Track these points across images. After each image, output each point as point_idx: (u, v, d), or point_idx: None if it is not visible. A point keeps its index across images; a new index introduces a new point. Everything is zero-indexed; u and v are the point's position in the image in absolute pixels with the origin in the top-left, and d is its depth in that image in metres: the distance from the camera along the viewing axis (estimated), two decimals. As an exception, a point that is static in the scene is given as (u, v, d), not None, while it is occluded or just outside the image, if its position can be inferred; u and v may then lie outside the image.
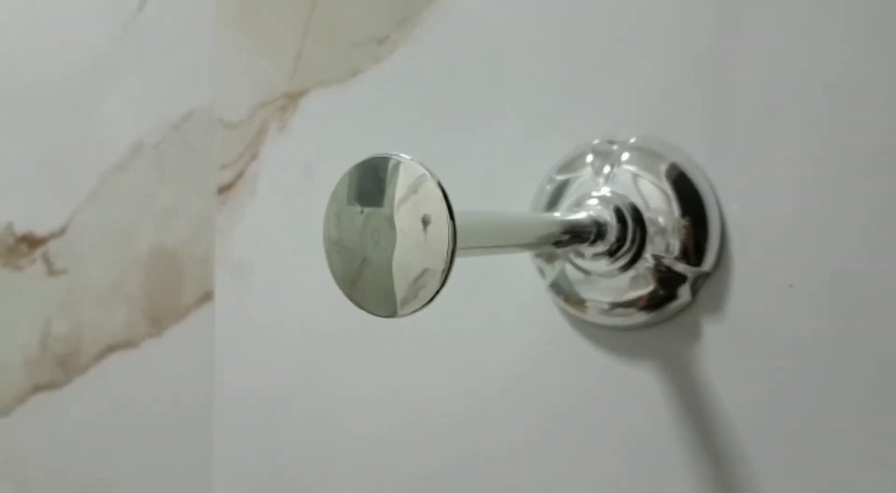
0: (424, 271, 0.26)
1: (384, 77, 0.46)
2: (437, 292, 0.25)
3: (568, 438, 0.37)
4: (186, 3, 0.56)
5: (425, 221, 0.25)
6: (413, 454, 0.44)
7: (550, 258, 0.36)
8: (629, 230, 0.33)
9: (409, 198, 0.26)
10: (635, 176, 0.34)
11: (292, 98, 0.50)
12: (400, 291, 0.26)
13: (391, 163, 0.26)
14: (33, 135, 0.65)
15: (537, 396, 0.38)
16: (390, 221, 0.26)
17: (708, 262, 0.33)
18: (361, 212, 0.27)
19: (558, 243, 0.33)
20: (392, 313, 0.27)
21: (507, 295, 0.39)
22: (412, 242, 0.26)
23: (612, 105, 0.37)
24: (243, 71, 0.52)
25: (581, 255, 0.34)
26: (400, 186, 0.26)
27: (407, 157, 0.26)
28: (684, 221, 0.33)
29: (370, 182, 0.27)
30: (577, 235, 0.32)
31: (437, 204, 0.25)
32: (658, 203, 0.33)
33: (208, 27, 0.54)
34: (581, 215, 0.33)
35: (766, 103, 0.32)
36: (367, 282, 0.28)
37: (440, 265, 0.25)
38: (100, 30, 0.61)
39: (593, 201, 0.34)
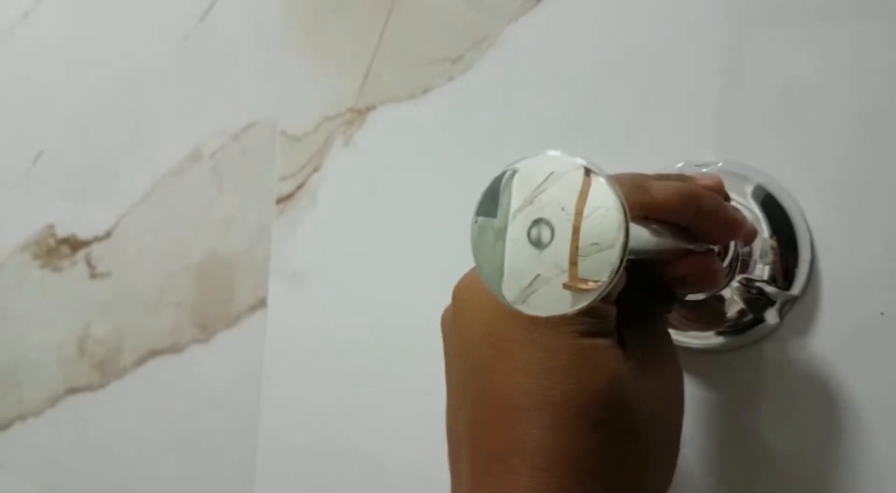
0: (536, 278, 0.25)
1: (456, 95, 0.46)
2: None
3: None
4: (250, 15, 0.57)
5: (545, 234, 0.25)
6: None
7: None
8: (722, 252, 0.33)
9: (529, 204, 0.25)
10: (724, 199, 0.34)
11: (359, 113, 0.50)
12: (509, 295, 0.26)
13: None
14: (85, 138, 0.65)
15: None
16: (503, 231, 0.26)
17: (797, 286, 0.33)
18: (476, 222, 0.27)
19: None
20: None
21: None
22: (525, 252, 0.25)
23: (696, 127, 0.37)
24: (310, 84, 0.53)
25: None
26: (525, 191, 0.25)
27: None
28: (773, 244, 0.33)
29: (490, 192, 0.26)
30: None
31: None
32: (748, 226, 0.34)
33: (273, 40, 0.55)
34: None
35: (860, 131, 0.33)
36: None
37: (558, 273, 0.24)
38: (160, 38, 0.61)
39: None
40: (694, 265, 0.29)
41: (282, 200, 0.53)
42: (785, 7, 0.35)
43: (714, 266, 0.30)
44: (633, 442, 0.27)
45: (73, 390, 0.61)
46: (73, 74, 0.66)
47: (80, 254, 0.64)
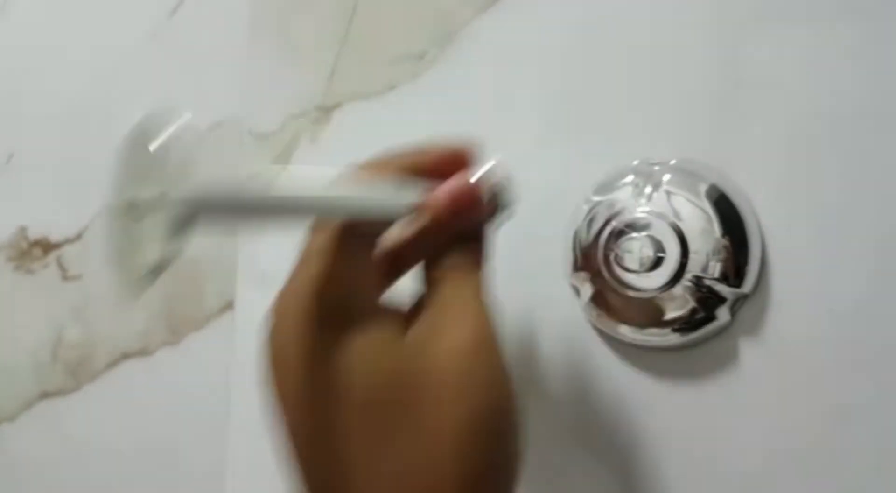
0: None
1: (420, 92, 0.46)
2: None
3: (600, 457, 0.37)
4: (218, 13, 0.57)
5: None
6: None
7: (587, 277, 0.36)
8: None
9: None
10: (676, 196, 0.34)
11: (326, 111, 0.50)
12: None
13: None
14: (54, 140, 0.65)
15: (569, 414, 0.38)
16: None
17: (748, 284, 0.33)
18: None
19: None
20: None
21: (541, 313, 0.39)
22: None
23: (651, 127, 0.37)
24: (276, 82, 0.52)
25: (619, 274, 0.34)
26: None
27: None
28: (725, 243, 0.33)
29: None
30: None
31: None
32: (699, 224, 0.34)
33: (241, 38, 0.55)
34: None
35: (814, 131, 0.33)
36: None
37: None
38: (128, 37, 0.61)
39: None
40: (438, 197, 0.28)
41: (249, 200, 0.53)
42: (750, 7, 0.35)
43: (463, 187, 0.28)
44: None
45: (46, 395, 0.61)
46: (43, 75, 0.66)
47: (52, 256, 0.64)
